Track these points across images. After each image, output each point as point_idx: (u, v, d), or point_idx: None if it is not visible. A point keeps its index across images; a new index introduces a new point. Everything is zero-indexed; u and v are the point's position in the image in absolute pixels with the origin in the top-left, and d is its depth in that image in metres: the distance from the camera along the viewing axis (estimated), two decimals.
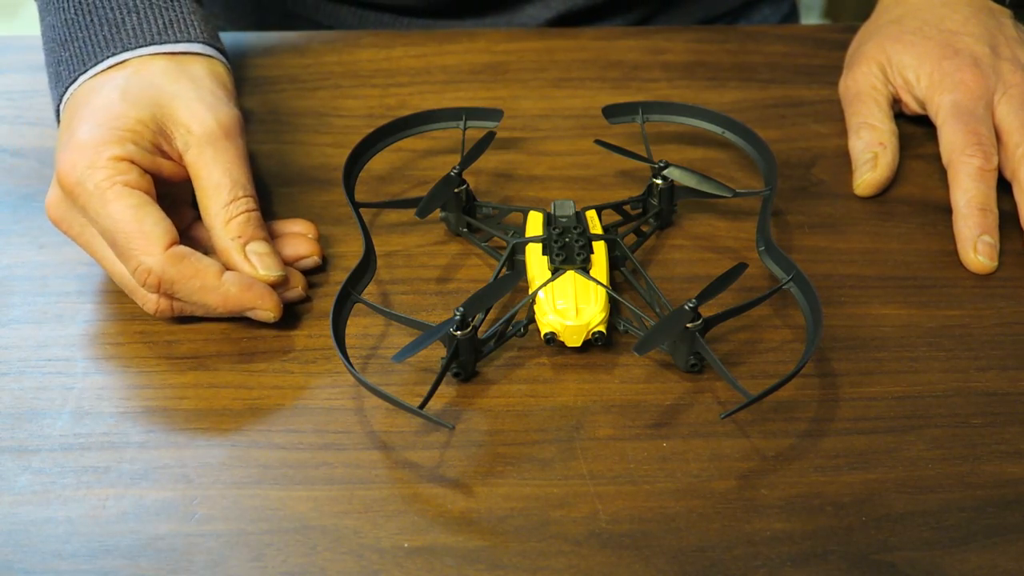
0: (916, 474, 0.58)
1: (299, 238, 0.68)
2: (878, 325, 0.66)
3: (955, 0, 0.78)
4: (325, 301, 0.66)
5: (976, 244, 0.69)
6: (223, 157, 0.65)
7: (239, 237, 0.64)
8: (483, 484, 0.58)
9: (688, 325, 0.60)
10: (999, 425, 0.61)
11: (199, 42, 0.69)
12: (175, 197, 0.67)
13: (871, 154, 0.74)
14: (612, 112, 0.75)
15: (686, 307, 0.60)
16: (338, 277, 0.65)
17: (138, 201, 0.62)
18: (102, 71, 0.67)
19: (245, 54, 0.86)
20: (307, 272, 0.68)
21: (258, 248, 0.64)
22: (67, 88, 0.68)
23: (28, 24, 2.10)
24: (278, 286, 0.65)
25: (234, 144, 0.65)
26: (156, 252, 0.62)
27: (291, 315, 0.66)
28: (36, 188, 0.74)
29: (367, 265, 0.66)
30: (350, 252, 0.69)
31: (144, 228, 0.62)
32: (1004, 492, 0.58)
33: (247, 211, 0.65)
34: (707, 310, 0.61)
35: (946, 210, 0.72)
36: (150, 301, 0.64)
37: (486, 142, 0.72)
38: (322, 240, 0.70)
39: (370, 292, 0.67)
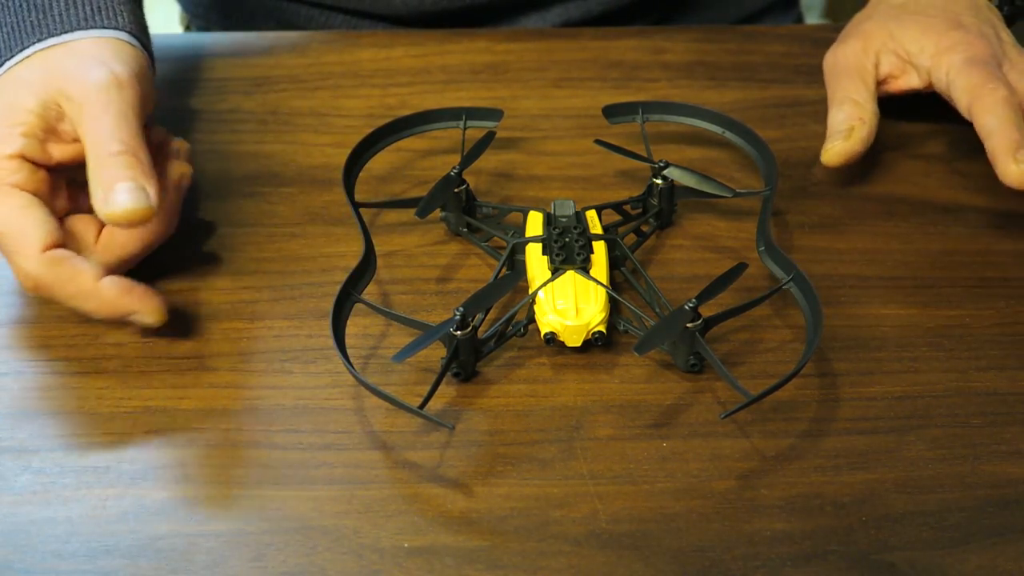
0: (916, 474, 0.58)
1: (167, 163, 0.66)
2: (878, 325, 0.66)
3: None
4: (325, 301, 0.66)
5: (1017, 154, 0.66)
6: (102, 112, 0.61)
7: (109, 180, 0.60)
8: (483, 484, 0.58)
9: (688, 325, 0.60)
10: (999, 425, 0.61)
11: (125, 31, 0.67)
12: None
13: (848, 126, 0.73)
14: (612, 112, 0.75)
15: (686, 307, 0.60)
16: (338, 277, 0.65)
17: (23, 202, 0.61)
18: (25, 59, 0.65)
19: (245, 54, 0.86)
20: (309, 274, 0.68)
21: (127, 185, 0.60)
22: None
23: None
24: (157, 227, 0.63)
25: (118, 97, 0.62)
26: (32, 254, 0.60)
27: (291, 315, 0.66)
28: None
29: (367, 265, 0.66)
30: (350, 252, 0.69)
31: (25, 229, 0.60)
32: (1004, 492, 0.58)
33: (119, 154, 0.60)
34: (707, 310, 0.61)
35: (946, 210, 0.72)
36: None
37: (486, 142, 0.72)
38: (322, 240, 0.71)
39: (370, 292, 0.67)
